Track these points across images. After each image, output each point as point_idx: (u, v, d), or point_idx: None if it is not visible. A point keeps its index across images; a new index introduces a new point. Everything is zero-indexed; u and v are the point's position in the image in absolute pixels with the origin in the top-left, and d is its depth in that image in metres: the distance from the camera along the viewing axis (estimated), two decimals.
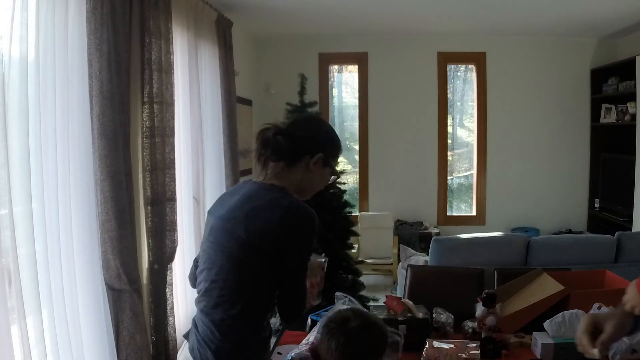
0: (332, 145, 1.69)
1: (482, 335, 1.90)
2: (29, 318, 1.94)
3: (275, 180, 1.61)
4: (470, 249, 3.26)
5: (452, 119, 6.22)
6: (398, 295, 3.20)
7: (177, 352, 3.11)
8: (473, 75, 5.90)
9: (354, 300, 1.94)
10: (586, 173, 5.79)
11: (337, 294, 1.95)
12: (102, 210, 2.40)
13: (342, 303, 1.88)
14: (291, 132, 1.63)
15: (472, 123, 6.06)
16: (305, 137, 1.64)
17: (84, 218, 2.38)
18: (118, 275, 2.47)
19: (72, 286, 2.27)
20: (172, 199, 2.95)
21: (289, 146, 1.59)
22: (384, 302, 2.11)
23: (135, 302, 2.55)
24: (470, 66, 6.01)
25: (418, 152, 5.84)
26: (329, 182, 1.75)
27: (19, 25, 1.91)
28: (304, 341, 1.75)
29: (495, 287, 2.31)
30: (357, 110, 5.91)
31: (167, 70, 2.95)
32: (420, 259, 3.78)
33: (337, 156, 1.72)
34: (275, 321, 2.14)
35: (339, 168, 3.76)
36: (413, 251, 4.41)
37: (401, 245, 4.70)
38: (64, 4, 2.21)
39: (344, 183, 3.85)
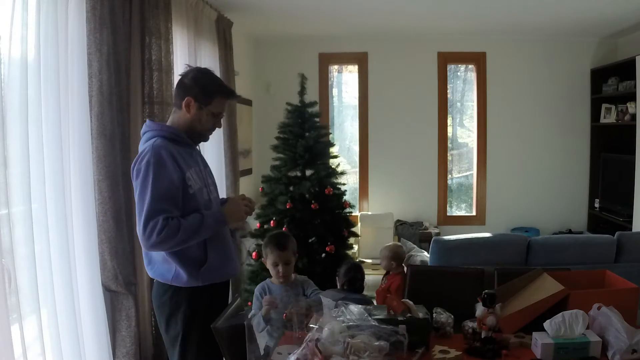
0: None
1: (482, 335, 1.90)
2: (30, 317, 1.95)
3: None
4: (470, 249, 3.26)
5: (452, 119, 6.21)
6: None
7: None
8: (473, 75, 5.90)
9: (353, 304, 1.94)
10: (586, 173, 5.79)
11: (339, 302, 1.97)
12: (100, 211, 2.40)
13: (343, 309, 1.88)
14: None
15: (472, 123, 6.05)
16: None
17: (83, 218, 2.38)
18: (115, 277, 2.47)
19: (72, 286, 2.27)
20: None
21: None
22: (384, 302, 2.10)
23: (129, 305, 2.55)
24: (470, 66, 6.01)
25: (418, 152, 5.83)
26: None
27: (19, 26, 1.91)
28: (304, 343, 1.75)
29: (495, 287, 2.31)
30: (357, 110, 5.91)
31: (167, 70, 2.95)
32: (417, 255, 3.77)
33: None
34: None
35: (340, 169, 3.81)
36: (412, 245, 4.39)
37: (402, 238, 4.69)
38: (64, 4, 2.21)
39: (344, 183, 3.84)
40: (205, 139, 2.08)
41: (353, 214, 4.18)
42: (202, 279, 1.94)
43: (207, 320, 1.88)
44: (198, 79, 1.96)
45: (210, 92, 1.95)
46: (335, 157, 3.87)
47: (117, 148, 2.47)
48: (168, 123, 2.01)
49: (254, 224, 3.73)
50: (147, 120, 2.07)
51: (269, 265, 2.39)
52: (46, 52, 2.09)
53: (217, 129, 2.06)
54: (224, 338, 1.87)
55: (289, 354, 1.75)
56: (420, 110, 5.80)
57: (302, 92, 3.75)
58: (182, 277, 1.91)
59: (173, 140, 1.92)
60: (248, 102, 5.29)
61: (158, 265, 1.95)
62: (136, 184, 1.83)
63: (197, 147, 2.12)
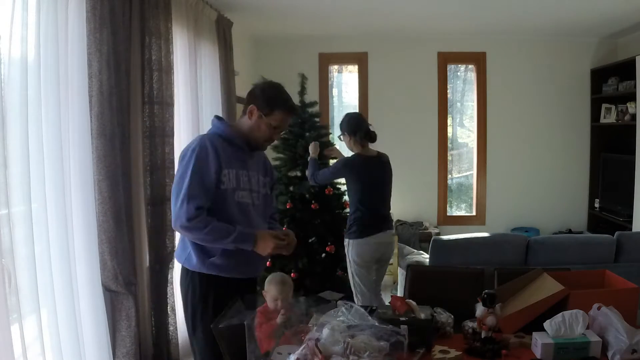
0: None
1: (482, 335, 1.90)
2: (30, 317, 1.95)
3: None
4: (470, 249, 3.26)
5: (452, 119, 6.21)
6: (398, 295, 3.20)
7: (178, 350, 3.11)
8: (473, 75, 5.90)
9: (354, 305, 1.94)
10: (586, 173, 5.79)
11: (339, 302, 1.96)
12: (99, 211, 2.40)
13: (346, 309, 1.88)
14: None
15: (472, 123, 6.05)
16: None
17: (83, 218, 2.38)
18: (115, 277, 2.47)
19: (72, 286, 2.27)
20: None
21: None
22: (389, 302, 2.11)
23: (129, 306, 2.55)
24: (470, 66, 6.01)
25: (418, 152, 5.83)
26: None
27: (19, 26, 1.91)
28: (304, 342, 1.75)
29: (495, 287, 2.31)
30: (357, 110, 5.90)
31: (167, 70, 2.95)
32: (413, 258, 3.77)
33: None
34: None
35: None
36: (410, 249, 4.40)
37: (399, 243, 4.70)
38: (64, 4, 2.21)
39: (344, 183, 3.84)
40: (261, 148, 2.20)
41: None
42: (208, 268, 2.03)
43: (213, 310, 1.96)
44: (266, 90, 2.12)
45: (272, 104, 2.08)
46: (335, 157, 3.87)
47: (117, 148, 2.47)
48: (233, 124, 2.19)
49: None
50: (215, 115, 2.21)
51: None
52: (46, 52, 2.09)
53: (274, 141, 2.22)
54: (224, 338, 1.87)
55: (289, 354, 1.75)
56: (420, 110, 5.80)
57: (302, 92, 3.76)
58: (193, 260, 2.02)
59: (227, 140, 2.07)
60: None
61: (179, 245, 2.13)
62: (179, 166, 2.02)
63: (263, 154, 2.27)
